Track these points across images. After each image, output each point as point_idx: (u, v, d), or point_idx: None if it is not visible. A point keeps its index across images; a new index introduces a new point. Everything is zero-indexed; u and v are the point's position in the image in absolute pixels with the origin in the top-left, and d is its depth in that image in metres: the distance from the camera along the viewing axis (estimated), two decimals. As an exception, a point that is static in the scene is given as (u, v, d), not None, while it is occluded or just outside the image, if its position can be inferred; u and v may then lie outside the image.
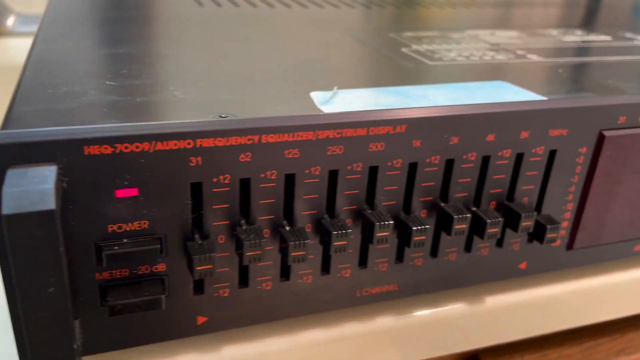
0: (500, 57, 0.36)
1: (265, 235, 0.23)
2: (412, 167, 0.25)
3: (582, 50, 0.39)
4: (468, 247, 0.28)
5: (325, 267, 0.25)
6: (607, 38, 0.44)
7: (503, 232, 0.28)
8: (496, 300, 0.30)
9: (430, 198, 0.26)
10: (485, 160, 0.26)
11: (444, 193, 0.26)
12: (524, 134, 0.26)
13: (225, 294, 0.24)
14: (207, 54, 0.31)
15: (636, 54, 0.39)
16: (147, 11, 0.42)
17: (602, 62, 0.36)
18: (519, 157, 0.27)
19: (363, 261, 0.26)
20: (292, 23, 0.43)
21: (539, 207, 0.28)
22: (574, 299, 0.33)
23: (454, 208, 0.25)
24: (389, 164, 0.24)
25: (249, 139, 0.21)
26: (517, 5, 0.59)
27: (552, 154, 0.27)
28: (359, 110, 0.23)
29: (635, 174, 0.29)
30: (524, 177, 0.27)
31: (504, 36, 0.42)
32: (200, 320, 0.24)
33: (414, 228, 0.24)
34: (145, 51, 0.30)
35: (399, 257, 0.27)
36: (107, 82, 0.24)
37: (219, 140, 0.21)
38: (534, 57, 0.36)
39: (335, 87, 0.26)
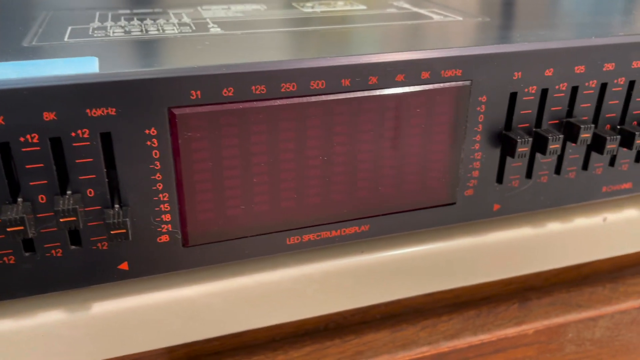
0: (172, 32, 0.32)
1: None
2: None
3: (300, 20, 0.35)
4: (30, 248, 0.24)
5: None
6: (363, 7, 0.40)
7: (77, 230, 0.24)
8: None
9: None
10: (3, 147, 0.22)
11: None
12: (49, 115, 0.22)
13: None
14: None
15: (356, 23, 0.34)
16: None
17: (289, 32, 0.32)
18: (56, 143, 0.23)
19: None
20: None
21: (118, 200, 0.24)
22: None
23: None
24: None
25: None
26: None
27: (106, 137, 0.23)
28: None
29: (235, 157, 0.25)
30: (74, 166, 0.23)
31: (236, 10, 0.38)
32: None
33: None
34: None
35: None
36: None
37: None
38: (217, 30, 0.32)
39: None
